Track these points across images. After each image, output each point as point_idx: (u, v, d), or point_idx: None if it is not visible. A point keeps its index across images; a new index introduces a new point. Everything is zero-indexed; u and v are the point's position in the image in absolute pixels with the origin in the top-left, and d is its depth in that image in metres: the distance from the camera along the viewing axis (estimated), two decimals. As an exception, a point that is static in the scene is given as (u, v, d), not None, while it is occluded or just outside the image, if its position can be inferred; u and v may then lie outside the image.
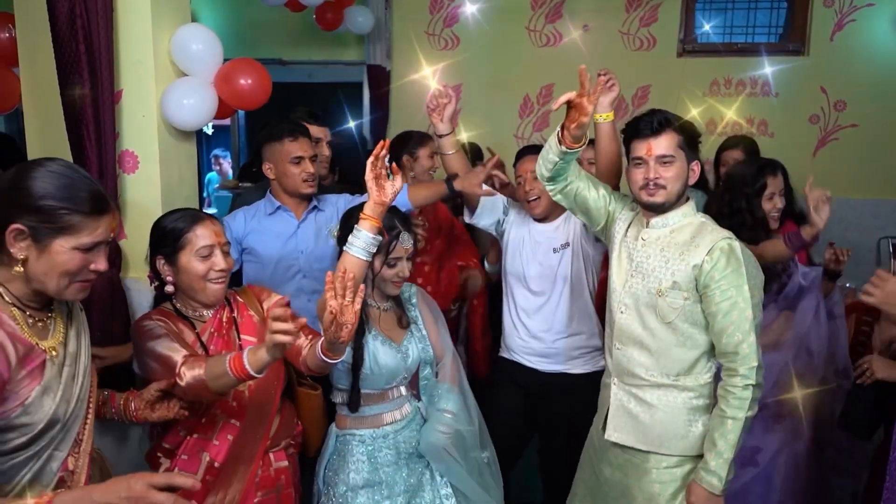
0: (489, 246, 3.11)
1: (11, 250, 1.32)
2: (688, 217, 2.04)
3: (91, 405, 1.53)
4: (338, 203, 2.63)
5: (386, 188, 1.83)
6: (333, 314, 1.60)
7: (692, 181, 2.05)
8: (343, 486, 2.03)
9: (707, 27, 4.85)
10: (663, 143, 1.97)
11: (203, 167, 5.05)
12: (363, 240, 1.82)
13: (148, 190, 2.47)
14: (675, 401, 2.02)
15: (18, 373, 1.33)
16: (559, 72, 4.77)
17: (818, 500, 2.59)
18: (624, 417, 2.09)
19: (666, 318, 1.99)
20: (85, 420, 1.51)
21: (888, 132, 4.61)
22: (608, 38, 4.88)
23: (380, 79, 4.97)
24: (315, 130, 2.65)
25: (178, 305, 1.91)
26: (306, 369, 1.88)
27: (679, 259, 1.97)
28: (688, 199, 2.07)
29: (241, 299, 2.00)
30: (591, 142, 2.37)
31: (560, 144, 2.02)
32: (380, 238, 1.85)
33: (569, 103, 1.94)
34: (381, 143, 1.87)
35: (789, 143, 4.64)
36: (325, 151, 2.64)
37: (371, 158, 1.83)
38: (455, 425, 2.13)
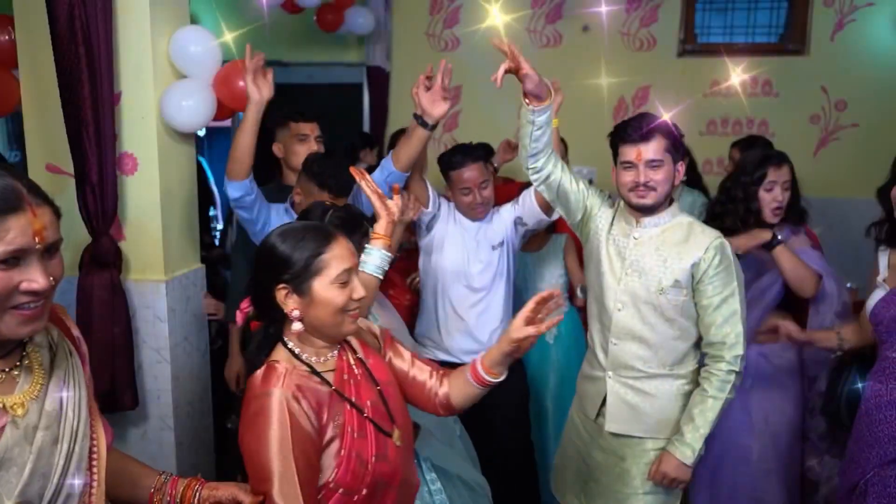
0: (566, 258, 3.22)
1: None
2: (676, 217, 2.12)
3: (96, 474, 1.19)
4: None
5: (390, 205, 1.85)
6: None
7: (677, 181, 2.12)
8: None
9: (707, 27, 4.85)
10: (652, 148, 2.02)
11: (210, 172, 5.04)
12: (377, 257, 1.82)
13: (147, 191, 2.47)
14: (671, 388, 2.12)
15: None
16: (560, 72, 4.74)
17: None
18: (623, 409, 2.15)
19: (667, 314, 2.07)
20: (89, 493, 1.18)
21: (889, 131, 4.59)
22: (608, 38, 4.87)
23: (379, 80, 4.97)
24: (303, 127, 2.70)
25: (298, 350, 1.46)
26: (445, 409, 1.61)
27: (678, 258, 2.05)
28: (672, 201, 2.13)
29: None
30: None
31: (528, 106, 2.10)
32: (391, 256, 1.85)
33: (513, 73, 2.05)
34: (358, 172, 1.91)
35: (790, 144, 4.59)
36: (314, 147, 2.66)
37: (362, 181, 1.88)
38: None
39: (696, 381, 2.10)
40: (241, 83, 2.49)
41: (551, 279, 3.16)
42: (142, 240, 2.49)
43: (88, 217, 2.30)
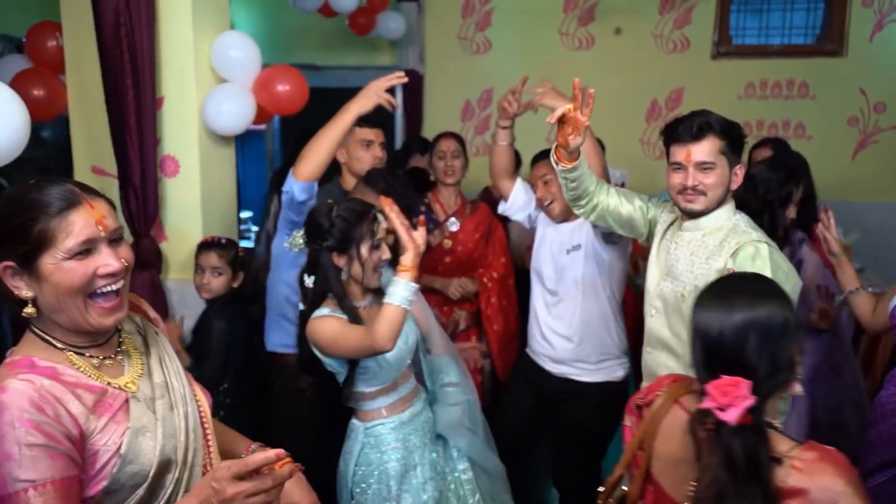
0: (524, 252, 3.11)
1: (18, 293, 1.13)
2: (721, 220, 1.95)
3: (209, 430, 1.34)
4: None
5: (416, 237, 1.85)
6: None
7: (735, 186, 1.96)
8: (385, 476, 2.02)
9: (742, 29, 4.80)
10: (703, 149, 1.88)
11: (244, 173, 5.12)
12: (404, 289, 1.81)
13: (188, 193, 2.52)
14: None
15: (96, 423, 1.14)
16: (592, 75, 4.74)
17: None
18: None
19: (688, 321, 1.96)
20: (207, 449, 1.32)
21: (930, 134, 4.51)
22: (641, 40, 4.85)
23: (413, 83, 5.00)
24: (368, 133, 2.64)
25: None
26: None
27: (704, 263, 1.91)
28: (727, 202, 1.99)
29: None
30: (544, 155, 2.41)
31: (557, 164, 2.03)
32: (416, 287, 1.85)
33: (562, 117, 1.92)
34: (388, 203, 1.90)
35: (827, 147, 4.57)
36: (378, 153, 2.62)
37: (391, 213, 1.87)
38: (462, 396, 2.16)
39: None
40: (280, 87, 2.54)
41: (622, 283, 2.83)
42: (182, 241, 2.55)
43: (130, 218, 2.36)
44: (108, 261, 1.14)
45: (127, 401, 1.19)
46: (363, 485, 2.05)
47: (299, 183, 2.29)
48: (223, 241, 2.45)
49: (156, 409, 1.23)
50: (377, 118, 2.65)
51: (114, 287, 1.16)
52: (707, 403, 1.24)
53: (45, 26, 2.88)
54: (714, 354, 1.29)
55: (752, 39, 4.85)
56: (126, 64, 2.19)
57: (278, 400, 2.56)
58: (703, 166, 1.89)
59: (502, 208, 2.80)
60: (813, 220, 2.49)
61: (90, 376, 1.17)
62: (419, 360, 2.20)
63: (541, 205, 2.58)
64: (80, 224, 1.11)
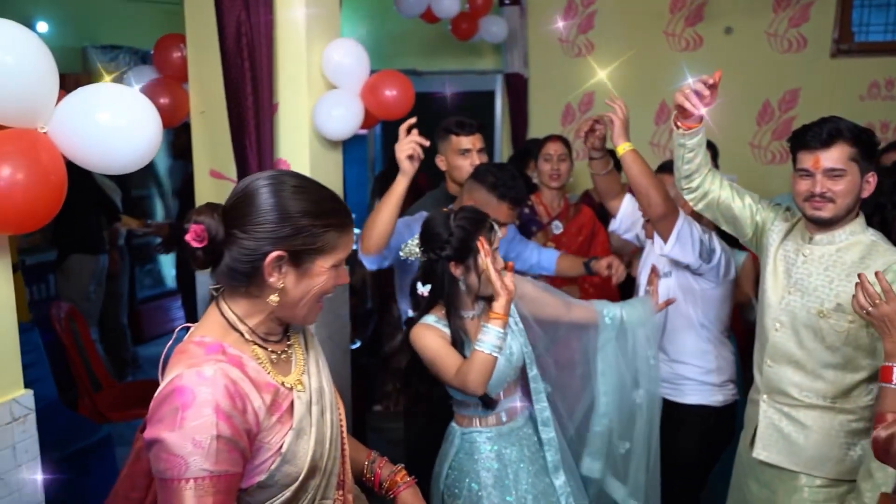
0: (631, 257, 3.03)
1: (270, 280, 1.17)
2: (856, 235, 1.90)
3: (345, 440, 1.38)
4: None
5: (508, 283, 1.84)
6: None
7: (866, 194, 1.88)
8: (475, 485, 2.02)
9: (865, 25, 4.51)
10: (833, 156, 1.83)
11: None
12: (494, 336, 1.81)
13: (299, 196, 2.61)
14: (832, 423, 1.91)
15: (268, 421, 1.17)
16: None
17: None
18: (774, 436, 2.00)
19: (827, 340, 1.88)
20: (342, 460, 1.35)
21: None
22: (753, 40, 4.64)
23: (518, 87, 4.99)
24: (465, 142, 2.63)
25: None
26: None
27: (846, 280, 1.85)
28: (858, 214, 1.92)
29: None
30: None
31: (677, 129, 2.01)
32: (506, 333, 1.85)
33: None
34: (483, 246, 1.89)
35: (962, 150, 4.22)
36: (476, 160, 2.61)
37: (485, 257, 1.85)
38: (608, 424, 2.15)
39: (869, 418, 1.86)
40: (388, 92, 2.60)
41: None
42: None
43: (247, 219, 2.47)
44: (345, 275, 1.28)
45: (292, 401, 1.22)
46: (455, 490, 2.04)
47: (367, 257, 2.36)
48: None
49: (312, 412, 1.25)
50: (473, 125, 2.66)
51: (331, 294, 1.27)
52: None
53: (170, 38, 3.06)
54: None
55: (878, 36, 4.55)
56: (246, 72, 2.29)
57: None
58: (832, 173, 1.83)
59: (612, 227, 2.75)
60: None
61: (268, 372, 1.20)
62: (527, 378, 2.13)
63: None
64: (349, 242, 1.26)
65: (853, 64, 4.51)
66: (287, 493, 1.19)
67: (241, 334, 1.21)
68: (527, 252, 2.78)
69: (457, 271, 1.95)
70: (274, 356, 1.24)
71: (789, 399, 1.97)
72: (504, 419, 2.06)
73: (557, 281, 2.91)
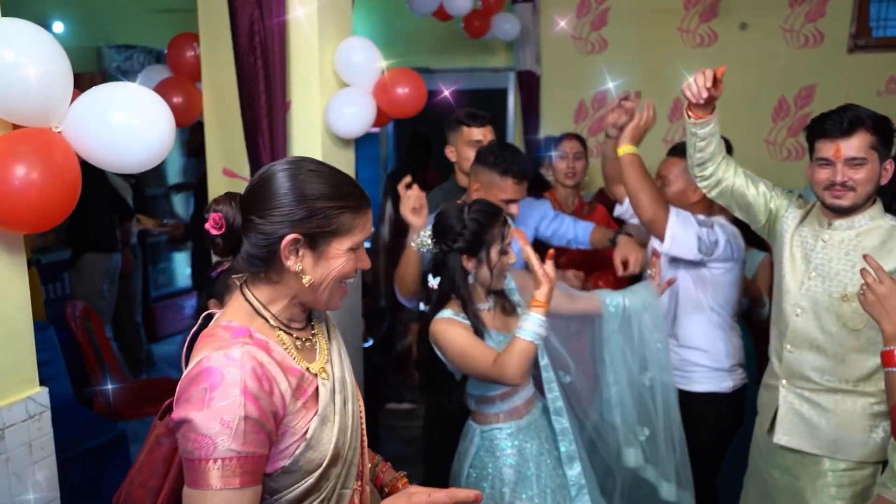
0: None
1: (287, 263, 1.18)
2: (875, 220, 1.92)
3: (364, 434, 1.39)
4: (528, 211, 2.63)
5: (548, 271, 1.80)
6: None
7: (885, 181, 1.90)
8: (498, 482, 2.00)
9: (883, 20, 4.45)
10: (854, 145, 1.84)
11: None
12: (535, 323, 1.77)
13: (312, 194, 2.62)
14: (854, 406, 1.94)
15: (294, 405, 1.19)
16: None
17: None
18: (795, 421, 2.01)
19: (849, 323, 1.90)
20: (362, 450, 1.36)
21: None
22: (769, 35, 4.60)
23: (530, 84, 4.97)
24: (475, 132, 2.64)
25: None
26: None
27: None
28: (876, 201, 1.93)
29: None
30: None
31: (689, 118, 2.03)
32: (547, 321, 1.80)
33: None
34: (518, 231, 1.91)
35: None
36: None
37: (525, 246, 1.84)
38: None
39: None
40: (399, 90, 2.59)
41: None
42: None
43: (260, 217, 2.47)
44: (365, 260, 1.27)
45: (317, 387, 1.24)
46: (479, 485, 2.02)
47: (403, 298, 2.46)
48: None
49: (336, 400, 1.26)
50: (485, 116, 2.68)
51: (352, 280, 1.28)
52: None
53: (184, 38, 3.07)
54: None
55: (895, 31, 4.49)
56: (259, 70, 2.29)
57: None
58: (853, 162, 1.84)
59: (618, 212, 2.80)
60: None
61: (294, 358, 1.22)
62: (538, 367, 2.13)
63: None
64: (366, 224, 1.24)
65: (870, 59, 4.46)
66: (310, 480, 1.20)
67: (266, 320, 1.22)
68: (562, 228, 2.75)
69: (469, 264, 1.95)
70: (298, 342, 1.26)
71: (810, 384, 1.98)
72: (523, 412, 2.05)
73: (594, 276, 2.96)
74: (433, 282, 1.99)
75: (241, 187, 2.59)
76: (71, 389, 3.18)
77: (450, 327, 1.91)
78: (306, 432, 1.19)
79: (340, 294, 1.28)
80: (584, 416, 2.17)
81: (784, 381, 2.04)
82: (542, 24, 5.02)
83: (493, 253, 1.94)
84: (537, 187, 3.31)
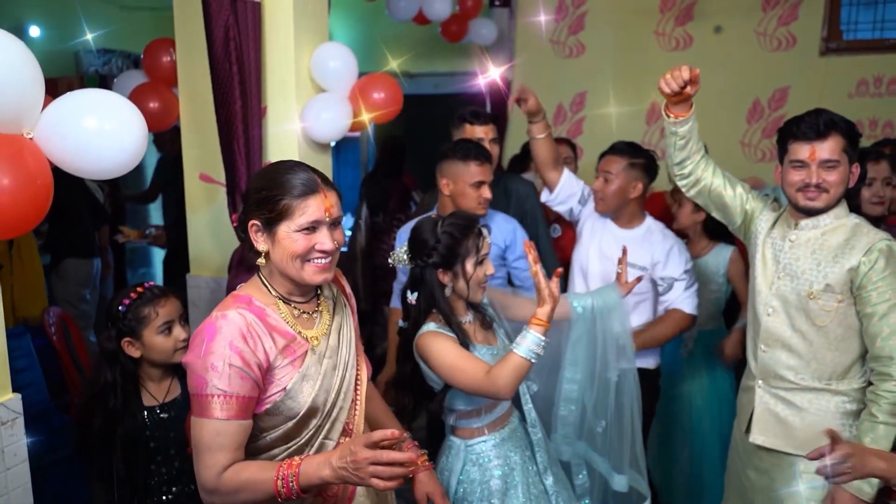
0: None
1: (257, 246, 1.46)
2: (840, 219, 1.97)
3: (359, 396, 1.61)
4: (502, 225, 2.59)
5: (553, 289, 1.80)
6: None
7: (852, 184, 1.95)
8: (487, 493, 1.99)
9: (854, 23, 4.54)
10: (828, 147, 1.88)
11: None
12: (532, 341, 1.76)
13: (289, 199, 2.63)
14: (828, 405, 1.98)
15: (280, 361, 1.44)
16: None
17: None
18: (771, 421, 2.05)
19: (817, 320, 1.95)
20: (353, 410, 1.58)
21: None
22: (743, 38, 4.67)
23: (498, 89, 4.99)
24: (477, 130, 2.65)
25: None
26: None
27: (832, 262, 1.93)
28: (840, 200, 1.98)
29: None
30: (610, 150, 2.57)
31: (668, 118, 2.08)
32: (545, 341, 1.79)
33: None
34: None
35: (950, 146, 4.24)
36: (489, 150, 2.56)
37: (533, 263, 1.83)
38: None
39: (862, 400, 1.94)
40: (376, 95, 2.61)
41: (706, 292, 2.94)
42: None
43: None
44: (325, 240, 1.44)
45: (306, 351, 1.49)
46: (466, 502, 2.02)
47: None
48: None
49: (323, 364, 1.51)
50: (487, 115, 2.71)
51: (324, 260, 1.46)
52: None
53: (160, 43, 3.06)
54: None
55: (866, 34, 4.57)
56: (234, 76, 2.30)
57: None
58: (827, 164, 1.90)
59: (545, 198, 2.79)
60: None
61: (288, 323, 1.48)
62: None
63: (594, 196, 2.64)
64: (312, 208, 1.42)
65: (842, 62, 4.54)
66: (290, 424, 1.47)
67: (269, 291, 1.50)
68: (522, 274, 2.65)
69: (444, 278, 1.94)
70: (297, 311, 1.51)
71: (785, 383, 2.02)
72: (505, 422, 2.06)
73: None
74: (411, 297, 1.97)
75: (217, 192, 2.62)
76: (48, 396, 3.15)
77: (437, 339, 1.89)
78: (287, 385, 1.45)
79: (312, 270, 1.45)
80: (546, 414, 2.21)
81: (760, 382, 2.08)
82: (518, 29, 5.06)
83: (469, 265, 1.92)
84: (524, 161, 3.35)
